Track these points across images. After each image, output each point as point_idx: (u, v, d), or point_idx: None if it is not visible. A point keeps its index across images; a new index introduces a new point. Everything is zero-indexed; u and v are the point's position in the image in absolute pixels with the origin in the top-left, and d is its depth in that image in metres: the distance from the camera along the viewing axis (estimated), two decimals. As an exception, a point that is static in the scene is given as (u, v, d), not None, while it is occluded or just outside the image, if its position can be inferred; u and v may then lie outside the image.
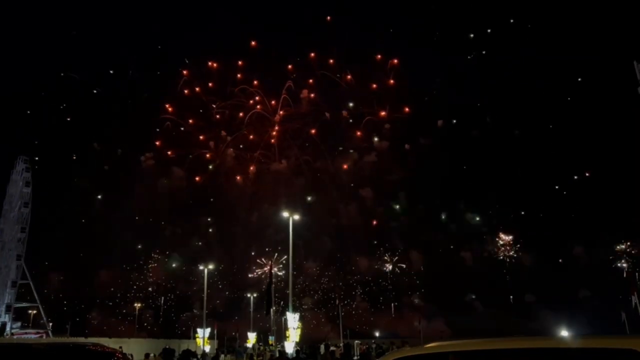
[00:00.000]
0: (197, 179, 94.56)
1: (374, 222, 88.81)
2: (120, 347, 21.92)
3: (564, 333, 21.97)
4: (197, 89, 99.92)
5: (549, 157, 79.03)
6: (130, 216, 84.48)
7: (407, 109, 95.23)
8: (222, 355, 47.95)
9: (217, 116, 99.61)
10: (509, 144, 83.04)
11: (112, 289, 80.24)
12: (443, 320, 67.82)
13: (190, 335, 56.59)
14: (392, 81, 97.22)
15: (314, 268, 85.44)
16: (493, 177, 78.91)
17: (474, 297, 77.18)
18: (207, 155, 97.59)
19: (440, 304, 72.69)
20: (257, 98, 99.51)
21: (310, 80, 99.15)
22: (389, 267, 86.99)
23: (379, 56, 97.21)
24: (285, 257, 77.10)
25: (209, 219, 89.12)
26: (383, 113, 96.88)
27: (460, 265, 79.28)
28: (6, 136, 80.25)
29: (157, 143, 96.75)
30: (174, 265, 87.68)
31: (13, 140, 79.03)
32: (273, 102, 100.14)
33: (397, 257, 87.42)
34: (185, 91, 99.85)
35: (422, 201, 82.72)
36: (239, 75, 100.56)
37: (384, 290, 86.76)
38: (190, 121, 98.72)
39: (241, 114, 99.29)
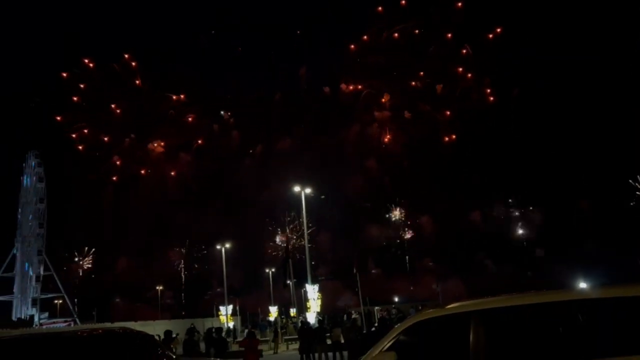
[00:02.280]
0: (205, 162, 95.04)
1: (384, 189, 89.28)
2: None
3: (583, 285, 22.19)
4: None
5: (551, 113, 78.65)
6: (143, 203, 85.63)
7: (414, 84, 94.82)
8: (246, 330, 49.28)
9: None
10: (511, 106, 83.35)
11: (133, 274, 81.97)
12: (458, 281, 68.59)
13: (214, 313, 58.09)
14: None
15: (327, 239, 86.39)
16: (497, 141, 79.38)
17: (485, 256, 77.88)
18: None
19: (453, 265, 73.52)
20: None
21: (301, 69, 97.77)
22: (402, 230, 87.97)
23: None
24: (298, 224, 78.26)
25: (220, 200, 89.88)
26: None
27: (470, 226, 79.89)
28: (16, 130, 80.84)
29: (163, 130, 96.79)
30: (190, 246, 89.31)
31: (23, 134, 79.76)
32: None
33: (409, 221, 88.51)
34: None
35: (430, 168, 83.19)
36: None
37: (395, 255, 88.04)
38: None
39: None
